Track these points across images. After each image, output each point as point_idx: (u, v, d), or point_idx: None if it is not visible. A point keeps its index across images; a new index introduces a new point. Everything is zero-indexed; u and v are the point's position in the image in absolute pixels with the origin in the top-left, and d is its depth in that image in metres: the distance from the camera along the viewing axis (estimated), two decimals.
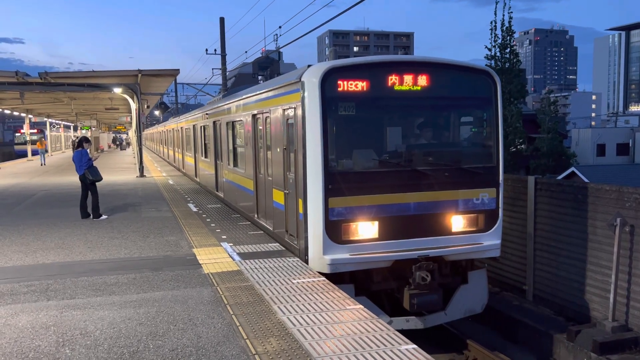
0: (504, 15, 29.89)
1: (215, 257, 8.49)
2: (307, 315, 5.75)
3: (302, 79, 7.55)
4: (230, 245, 9.31)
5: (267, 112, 9.38)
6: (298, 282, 6.99)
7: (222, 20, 31.85)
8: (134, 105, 24.52)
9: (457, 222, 8.00)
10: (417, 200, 7.75)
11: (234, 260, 8.29)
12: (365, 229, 7.58)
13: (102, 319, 5.84)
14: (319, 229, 7.39)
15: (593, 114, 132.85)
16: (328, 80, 7.34)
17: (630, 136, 50.01)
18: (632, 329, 8.12)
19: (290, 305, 6.08)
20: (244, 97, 11.40)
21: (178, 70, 21.63)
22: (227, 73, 33.63)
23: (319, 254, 7.44)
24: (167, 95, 61.40)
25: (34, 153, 41.59)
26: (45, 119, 47.03)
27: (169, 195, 16.92)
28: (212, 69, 36.09)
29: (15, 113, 40.37)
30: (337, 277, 7.44)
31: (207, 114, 16.94)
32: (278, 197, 9.03)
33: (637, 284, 8.08)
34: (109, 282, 7.31)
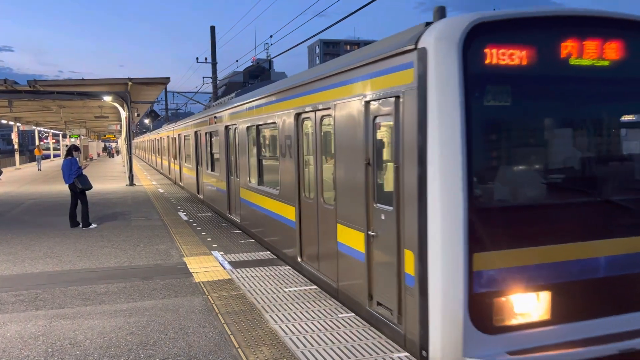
0: None
1: (206, 266, 8.46)
2: (299, 324, 5.74)
3: (420, 44, 4.50)
4: (221, 254, 9.28)
5: (327, 109, 6.56)
6: (290, 291, 6.98)
7: (212, 29, 31.93)
8: (124, 114, 24.46)
9: None
10: (613, 253, 4.76)
11: (224, 268, 8.25)
12: (530, 304, 4.55)
13: (92, 329, 5.79)
14: (453, 307, 4.33)
15: None
16: (474, 45, 4.33)
17: None
18: None
19: (282, 314, 6.07)
20: (280, 90, 8.45)
21: (168, 78, 21.63)
22: (218, 82, 33.63)
23: (454, 351, 4.36)
24: (158, 103, 61.26)
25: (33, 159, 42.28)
26: (34, 127, 46.71)
27: (159, 204, 16.85)
28: (203, 77, 36.08)
29: (3, 121, 40.04)
30: None
31: (215, 117, 14.13)
32: (350, 238, 6.09)
33: None
34: (99, 291, 7.25)
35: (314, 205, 7.25)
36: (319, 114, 6.90)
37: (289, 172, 8.04)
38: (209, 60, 32.58)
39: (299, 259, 7.94)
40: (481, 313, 4.37)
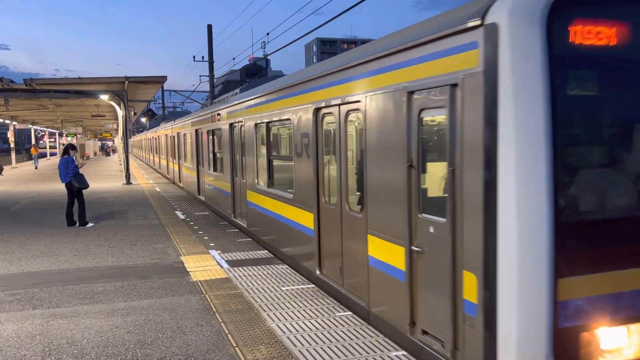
0: None
1: (204, 265, 8.45)
2: (297, 323, 5.74)
3: (488, 19, 3.70)
4: (219, 253, 9.27)
5: (356, 102, 5.77)
6: (287, 289, 6.98)
7: (209, 27, 31.88)
8: (120, 112, 24.42)
9: None
10: None
11: (222, 267, 8.25)
12: (626, 340, 3.80)
13: (89, 328, 5.78)
14: (532, 345, 3.57)
15: None
16: (560, 20, 3.60)
17: None
18: None
19: (280, 313, 6.07)
20: (295, 82, 7.62)
21: (165, 77, 21.60)
22: (215, 80, 33.58)
23: None
24: (154, 102, 61.15)
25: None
26: (30, 126, 46.58)
27: (156, 203, 16.82)
28: (200, 76, 36.00)
29: (0, 120, 39.92)
30: None
31: (218, 114, 13.26)
32: (386, 253, 5.26)
33: None
34: (96, 290, 7.24)
35: (337, 212, 6.45)
36: (345, 108, 6.07)
37: (306, 174, 7.26)
38: (206, 58, 32.54)
39: (318, 272, 7.07)
40: (567, 352, 3.55)
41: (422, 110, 4.56)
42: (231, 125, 11.82)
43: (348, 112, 6.02)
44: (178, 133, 21.43)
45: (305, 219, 7.41)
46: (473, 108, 3.86)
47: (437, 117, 4.46)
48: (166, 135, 26.68)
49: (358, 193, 6.02)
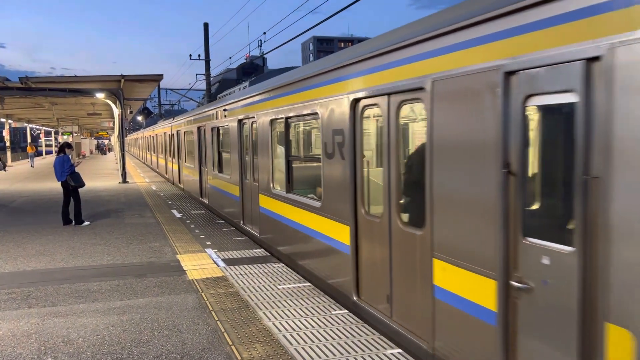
0: None
1: (200, 264, 8.45)
2: (293, 321, 5.75)
3: None
4: (215, 252, 9.27)
5: (416, 90, 4.68)
6: (283, 288, 6.99)
7: (206, 25, 31.84)
8: (116, 111, 24.36)
9: None
10: None
11: (218, 266, 8.25)
12: None
13: (84, 326, 5.78)
14: None
15: None
16: None
17: None
18: None
19: (276, 311, 6.08)
20: (324, 70, 6.42)
21: (161, 75, 21.56)
22: (211, 78, 33.54)
23: None
24: (151, 100, 61.07)
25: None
26: (26, 124, 46.43)
27: (152, 202, 16.80)
28: (196, 74, 35.97)
29: None
30: None
31: (225, 109, 11.78)
32: (464, 285, 4.14)
33: None
34: (92, 289, 7.23)
35: (383, 227, 5.35)
36: (396, 98, 4.97)
37: (339, 179, 6.20)
38: (202, 57, 32.50)
39: (355, 297, 6.02)
40: None
41: (529, 96, 3.44)
42: (240, 121, 10.69)
43: (402, 103, 4.97)
44: (178, 131, 20.30)
45: (338, 231, 6.32)
46: (632, 91, 2.74)
47: (554, 105, 3.31)
48: (165, 133, 25.60)
49: (415, 204, 4.92)
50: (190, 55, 34.17)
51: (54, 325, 5.83)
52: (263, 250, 9.30)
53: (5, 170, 18.64)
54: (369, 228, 5.68)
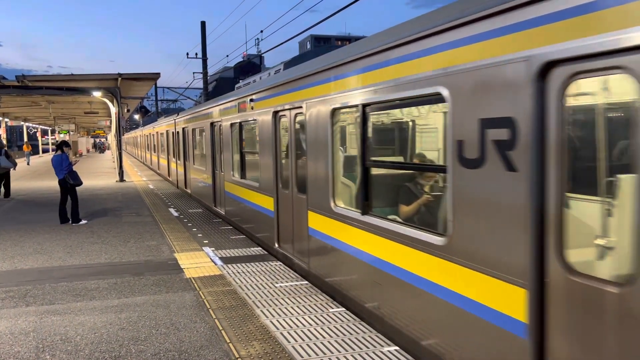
0: None
1: (197, 262, 8.46)
2: (290, 319, 5.77)
3: None
4: (212, 250, 9.28)
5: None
6: (281, 286, 7.01)
7: (203, 24, 31.81)
8: (113, 109, 24.32)
9: None
10: None
11: (215, 264, 8.26)
12: None
13: (82, 325, 5.78)
14: None
15: None
16: None
17: None
18: None
19: (273, 309, 6.10)
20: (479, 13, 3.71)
21: (158, 74, 21.54)
22: (208, 77, 33.52)
23: None
24: (148, 99, 60.95)
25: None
26: (22, 123, 46.32)
27: (149, 200, 16.80)
28: (194, 72, 35.93)
29: None
30: None
31: (252, 99, 9.63)
32: None
33: None
34: (90, 287, 7.24)
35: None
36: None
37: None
38: (200, 55, 32.47)
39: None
40: None
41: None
42: (276, 114, 8.33)
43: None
44: (184, 128, 17.93)
45: (490, 296, 3.75)
46: None
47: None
48: (167, 131, 23.14)
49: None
50: (188, 54, 34.15)
51: (51, 324, 5.84)
52: (261, 248, 9.31)
53: (14, 169, 18.81)
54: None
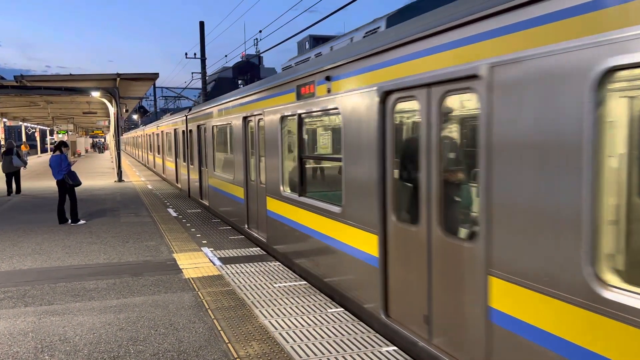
0: None
1: (196, 262, 8.47)
2: (289, 319, 5.78)
3: None
4: (211, 250, 9.29)
5: None
6: (279, 286, 7.02)
7: (202, 24, 31.78)
8: (112, 109, 24.31)
9: None
10: None
11: (214, 265, 8.27)
12: None
13: (81, 325, 5.79)
14: None
15: None
16: None
17: None
18: None
19: (272, 309, 6.11)
20: None
21: (157, 74, 21.55)
22: (207, 77, 33.52)
23: None
24: (146, 99, 60.91)
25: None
26: (21, 123, 46.27)
27: (148, 200, 16.80)
28: (192, 73, 35.91)
29: None
30: None
31: (305, 83, 7.01)
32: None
33: None
34: (88, 287, 7.25)
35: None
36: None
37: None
38: (198, 55, 32.46)
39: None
40: None
41: None
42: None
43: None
44: (200, 125, 14.96)
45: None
46: None
47: None
48: (174, 130, 20.25)
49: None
50: (186, 54, 34.11)
51: (50, 324, 5.85)
52: (259, 248, 9.31)
53: (24, 168, 19.20)
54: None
